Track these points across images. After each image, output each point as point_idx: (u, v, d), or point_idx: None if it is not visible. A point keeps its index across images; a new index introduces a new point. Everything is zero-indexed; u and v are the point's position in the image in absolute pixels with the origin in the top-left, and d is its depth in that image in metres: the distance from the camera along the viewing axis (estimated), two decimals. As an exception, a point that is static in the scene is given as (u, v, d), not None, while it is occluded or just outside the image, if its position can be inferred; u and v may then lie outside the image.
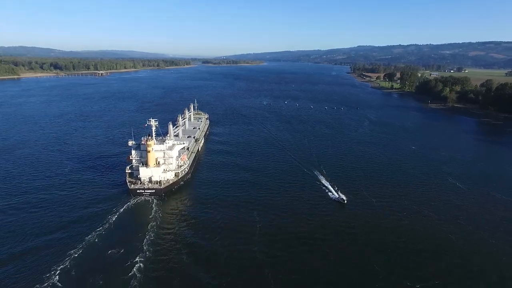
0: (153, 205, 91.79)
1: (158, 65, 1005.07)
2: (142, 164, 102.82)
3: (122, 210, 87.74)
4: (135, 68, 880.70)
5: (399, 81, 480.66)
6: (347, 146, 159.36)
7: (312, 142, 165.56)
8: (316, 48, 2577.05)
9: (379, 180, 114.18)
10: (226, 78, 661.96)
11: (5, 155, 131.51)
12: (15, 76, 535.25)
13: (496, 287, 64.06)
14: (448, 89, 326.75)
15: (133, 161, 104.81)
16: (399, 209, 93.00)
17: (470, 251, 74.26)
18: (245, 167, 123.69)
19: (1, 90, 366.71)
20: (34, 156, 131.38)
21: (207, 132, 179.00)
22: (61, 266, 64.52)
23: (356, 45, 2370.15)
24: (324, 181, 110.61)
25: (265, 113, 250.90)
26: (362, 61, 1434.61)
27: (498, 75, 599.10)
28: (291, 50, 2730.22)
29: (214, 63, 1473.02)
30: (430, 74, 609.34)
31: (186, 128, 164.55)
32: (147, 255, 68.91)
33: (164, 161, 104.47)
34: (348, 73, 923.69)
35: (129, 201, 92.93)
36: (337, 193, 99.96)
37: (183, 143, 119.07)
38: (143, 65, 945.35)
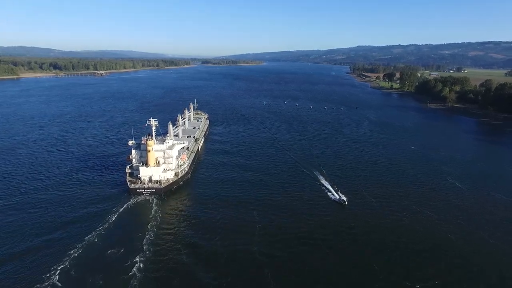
0: (153, 205, 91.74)
1: (157, 65, 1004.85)
2: (142, 164, 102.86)
3: (121, 210, 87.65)
4: (134, 68, 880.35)
5: (398, 81, 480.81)
6: (347, 146, 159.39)
7: (312, 142, 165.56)
8: (316, 48, 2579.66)
9: (379, 180, 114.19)
10: (225, 78, 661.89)
11: (4, 155, 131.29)
12: (15, 76, 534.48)
13: (496, 287, 64.06)
14: (447, 89, 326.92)
15: (133, 160, 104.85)
16: (399, 209, 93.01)
17: (470, 251, 74.27)
18: (244, 167, 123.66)
19: (1, 90, 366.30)
20: (33, 156, 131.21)
21: (207, 132, 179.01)
22: (61, 266, 64.42)
23: (355, 45, 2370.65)
24: (323, 181, 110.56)
25: (264, 113, 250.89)
26: (361, 61, 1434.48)
27: (497, 75, 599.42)
28: (290, 50, 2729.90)
29: (214, 63, 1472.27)
30: (430, 74, 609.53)
31: (186, 128, 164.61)
32: (147, 255, 68.83)
33: (164, 160, 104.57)
34: (347, 73, 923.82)
35: (129, 201, 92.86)
36: (338, 194, 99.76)
37: (183, 143, 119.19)
38: (142, 65, 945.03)
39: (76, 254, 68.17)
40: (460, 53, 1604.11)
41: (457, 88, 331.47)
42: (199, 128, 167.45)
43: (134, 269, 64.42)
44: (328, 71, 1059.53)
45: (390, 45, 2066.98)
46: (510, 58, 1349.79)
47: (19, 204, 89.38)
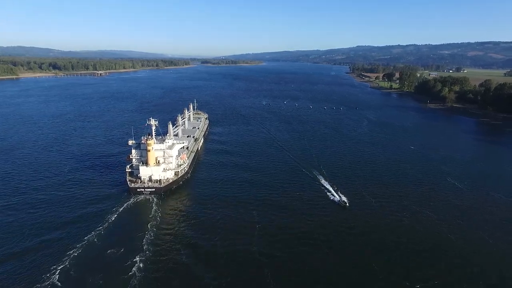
0: (153, 205, 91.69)
1: (157, 65, 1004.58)
2: (142, 163, 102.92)
3: (121, 209, 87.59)
4: (134, 68, 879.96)
5: (398, 81, 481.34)
6: (346, 146, 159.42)
7: (311, 142, 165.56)
8: (315, 48, 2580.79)
9: (379, 180, 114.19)
10: (225, 78, 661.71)
11: (4, 156, 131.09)
12: (14, 76, 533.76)
13: (496, 287, 64.08)
14: (447, 89, 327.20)
15: (133, 160, 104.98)
16: (398, 209, 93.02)
17: (470, 251, 74.29)
18: (244, 167, 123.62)
19: (0, 90, 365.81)
20: (33, 156, 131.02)
21: (207, 132, 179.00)
22: (61, 266, 64.35)
23: (355, 45, 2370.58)
24: (323, 181, 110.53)
25: (264, 113, 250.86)
26: (361, 61, 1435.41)
27: (496, 75, 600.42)
28: (290, 50, 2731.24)
29: (213, 63, 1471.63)
30: (429, 74, 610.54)
31: (186, 128, 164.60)
32: (147, 255, 68.77)
33: (164, 160, 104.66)
34: (347, 73, 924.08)
35: (129, 201, 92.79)
36: (338, 194, 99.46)
37: (183, 143, 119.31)
38: (142, 65, 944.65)
39: (75, 254, 68.09)
40: (459, 53, 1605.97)
41: (457, 88, 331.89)
42: (198, 128, 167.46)
43: (134, 269, 64.36)
44: (327, 71, 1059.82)
45: (389, 45, 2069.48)
46: (510, 58, 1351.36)
47: (18, 204, 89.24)
